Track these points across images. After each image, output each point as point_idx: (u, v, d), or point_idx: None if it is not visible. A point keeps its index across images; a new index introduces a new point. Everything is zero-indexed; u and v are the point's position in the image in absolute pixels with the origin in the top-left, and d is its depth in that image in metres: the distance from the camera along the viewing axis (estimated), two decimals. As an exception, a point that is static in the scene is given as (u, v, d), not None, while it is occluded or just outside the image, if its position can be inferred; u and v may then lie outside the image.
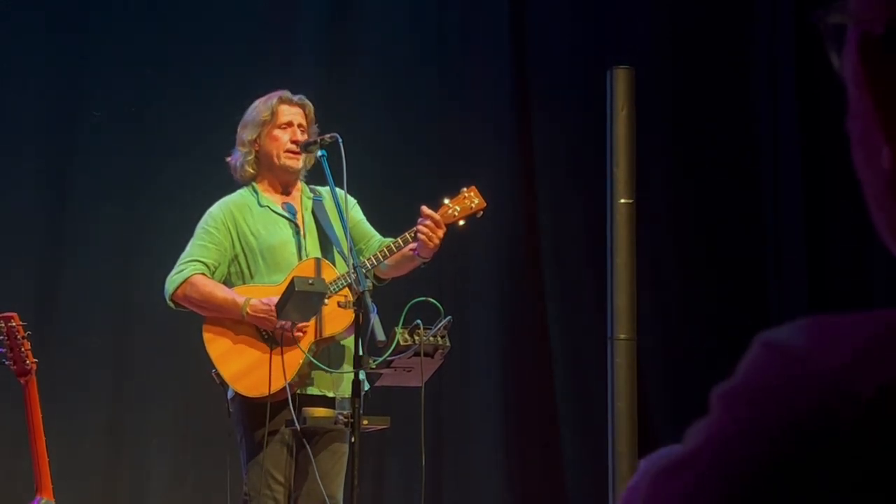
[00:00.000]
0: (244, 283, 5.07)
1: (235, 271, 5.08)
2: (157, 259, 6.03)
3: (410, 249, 4.95)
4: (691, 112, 6.97)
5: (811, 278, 6.75)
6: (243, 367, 4.92)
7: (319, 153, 4.98)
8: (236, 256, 5.08)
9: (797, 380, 0.72)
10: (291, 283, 4.71)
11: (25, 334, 4.67)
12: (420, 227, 4.89)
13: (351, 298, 4.71)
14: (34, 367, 4.61)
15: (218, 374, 4.95)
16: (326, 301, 4.79)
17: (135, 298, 6.48)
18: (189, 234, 5.24)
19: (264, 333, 4.93)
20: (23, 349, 4.62)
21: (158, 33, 6.67)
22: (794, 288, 6.82)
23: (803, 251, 6.76)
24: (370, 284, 4.73)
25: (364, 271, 4.77)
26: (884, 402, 0.70)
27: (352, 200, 5.16)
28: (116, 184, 6.58)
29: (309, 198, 5.16)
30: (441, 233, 4.90)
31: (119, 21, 6.68)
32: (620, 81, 5.87)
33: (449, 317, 4.78)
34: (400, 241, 4.94)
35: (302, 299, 4.69)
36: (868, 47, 0.78)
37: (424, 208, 4.92)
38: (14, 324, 4.68)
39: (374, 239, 5.11)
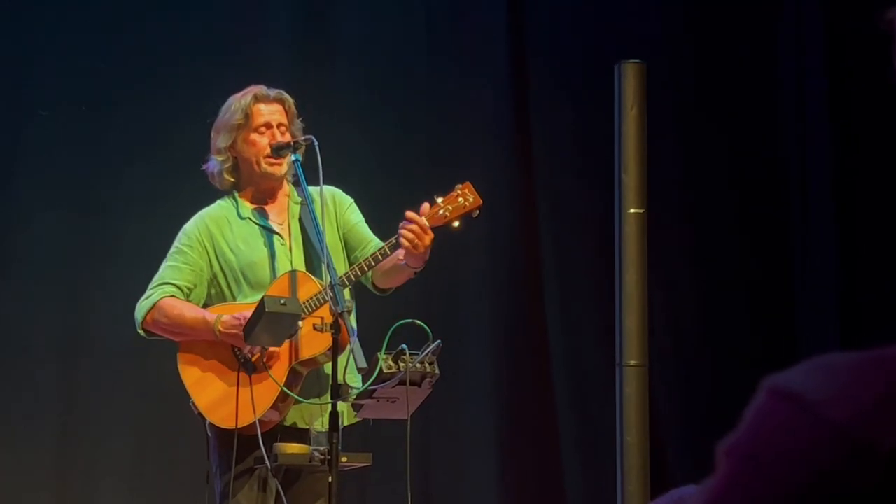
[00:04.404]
0: None
1: (216, 293, 4.93)
2: (109, 278, 6.18)
3: (399, 259, 4.79)
4: (709, 111, 6.95)
5: (842, 298, 6.73)
6: (218, 397, 4.81)
7: (293, 157, 4.81)
8: (215, 276, 4.93)
9: (807, 433, 0.73)
10: (261, 303, 4.53)
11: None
12: (403, 233, 4.70)
13: (328, 320, 4.54)
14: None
15: (194, 405, 4.85)
16: (301, 324, 4.62)
17: (84, 323, 6.39)
18: (148, 249, 5.19)
19: (240, 357, 4.78)
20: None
21: (113, 25, 6.54)
22: (824, 308, 6.79)
23: (834, 267, 6.74)
24: (349, 306, 4.52)
25: (344, 288, 4.61)
26: None
27: (348, 200, 5.04)
28: (63, 191, 6.45)
29: (296, 203, 5.00)
30: (428, 239, 4.71)
31: (70, 13, 6.54)
32: (630, 77, 5.87)
33: (438, 341, 4.67)
34: (387, 248, 4.77)
35: (273, 321, 4.52)
36: None
37: (409, 213, 4.74)
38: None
39: (371, 245, 4.92)
